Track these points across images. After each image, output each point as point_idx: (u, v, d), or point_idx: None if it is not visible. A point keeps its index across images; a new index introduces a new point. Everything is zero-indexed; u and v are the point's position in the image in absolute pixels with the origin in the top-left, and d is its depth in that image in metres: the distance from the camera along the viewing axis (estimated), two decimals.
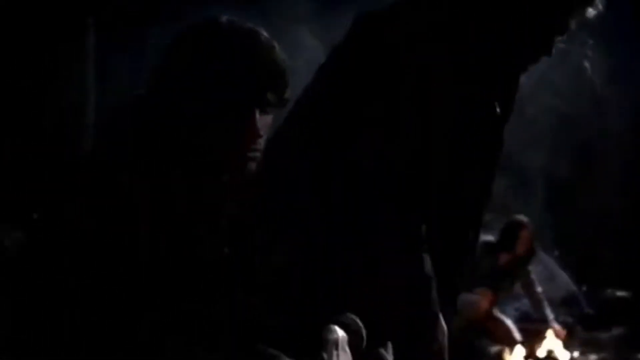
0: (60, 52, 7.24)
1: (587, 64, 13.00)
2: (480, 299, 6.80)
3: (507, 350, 6.86)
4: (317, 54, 13.11)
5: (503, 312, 7.99)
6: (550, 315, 7.39)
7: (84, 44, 7.59)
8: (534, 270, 9.63)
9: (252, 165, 1.87)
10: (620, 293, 9.60)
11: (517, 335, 7.12)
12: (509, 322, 7.24)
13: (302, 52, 13.05)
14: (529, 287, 7.34)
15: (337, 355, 1.94)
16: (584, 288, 9.86)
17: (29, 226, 2.54)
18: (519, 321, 7.96)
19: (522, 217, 7.49)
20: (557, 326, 7.27)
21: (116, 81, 8.61)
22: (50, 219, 1.84)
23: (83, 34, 7.55)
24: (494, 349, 6.82)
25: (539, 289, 7.54)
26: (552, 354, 6.98)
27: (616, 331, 8.56)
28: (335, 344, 1.96)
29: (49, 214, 1.86)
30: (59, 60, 7.25)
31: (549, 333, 7.20)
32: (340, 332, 1.98)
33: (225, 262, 1.89)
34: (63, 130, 7.28)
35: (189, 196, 1.84)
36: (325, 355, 1.93)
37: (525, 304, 8.74)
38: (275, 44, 1.89)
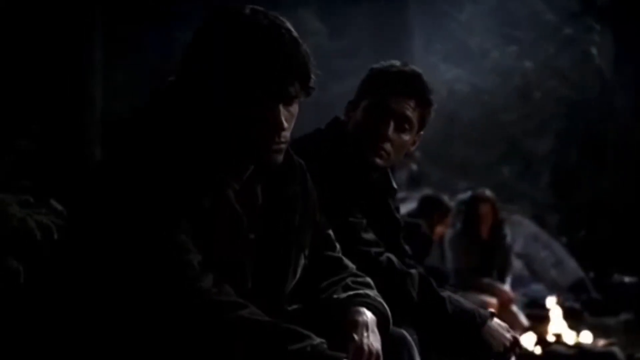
0: (70, 48, 7.25)
1: (594, 50, 12.97)
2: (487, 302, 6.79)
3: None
4: (322, 39, 13.17)
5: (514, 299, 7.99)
6: (507, 285, 7.24)
7: (93, 42, 7.60)
8: (542, 256, 9.67)
9: (278, 158, 1.87)
10: (627, 279, 9.61)
11: (524, 321, 7.10)
12: (515, 308, 7.24)
13: (307, 37, 13.08)
14: (504, 255, 7.20)
15: (367, 337, 1.96)
16: (592, 274, 9.88)
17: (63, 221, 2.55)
18: (528, 307, 7.97)
19: (483, 190, 7.35)
20: (508, 292, 7.15)
21: (120, 74, 8.66)
22: (80, 216, 1.84)
23: (91, 32, 7.56)
24: None
25: (513, 265, 7.44)
26: (561, 339, 6.97)
27: (624, 316, 8.57)
28: (365, 325, 1.99)
29: (78, 211, 1.86)
30: (69, 54, 7.27)
31: (555, 315, 7.19)
32: (369, 314, 2.01)
33: (252, 247, 1.93)
34: (74, 118, 7.30)
35: (214, 185, 1.85)
36: (356, 336, 1.95)
37: (533, 290, 8.76)
38: (297, 36, 1.86)
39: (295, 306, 2.02)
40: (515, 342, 2.53)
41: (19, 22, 6.87)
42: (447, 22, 12.75)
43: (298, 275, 2.02)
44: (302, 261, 2.03)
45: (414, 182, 10.79)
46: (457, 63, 12.45)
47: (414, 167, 11.08)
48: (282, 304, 1.99)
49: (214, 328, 1.71)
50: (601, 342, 7.08)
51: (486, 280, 6.91)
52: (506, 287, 7.04)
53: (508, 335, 2.53)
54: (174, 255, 1.74)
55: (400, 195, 7.89)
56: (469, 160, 12.26)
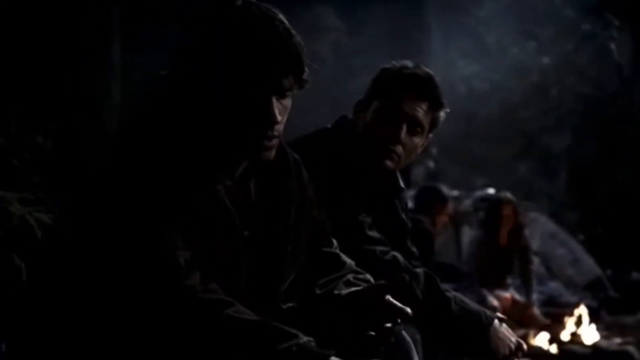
0: (88, 45, 7.29)
1: (612, 46, 12.89)
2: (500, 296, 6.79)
3: (531, 334, 6.83)
4: (341, 36, 13.14)
5: (534, 299, 7.94)
6: (533, 296, 7.27)
7: (111, 40, 7.64)
8: (559, 254, 9.60)
9: (270, 154, 1.84)
10: None
11: (540, 318, 7.08)
12: (535, 311, 7.20)
13: (326, 34, 13.09)
14: (523, 254, 7.20)
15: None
16: (609, 272, 9.81)
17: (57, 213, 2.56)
18: (545, 305, 7.93)
19: (506, 193, 7.37)
20: (536, 310, 7.18)
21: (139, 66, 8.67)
22: (76, 207, 1.84)
23: (110, 30, 7.59)
24: (519, 332, 6.79)
25: (534, 262, 7.42)
26: (577, 338, 6.94)
27: None
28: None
29: (75, 201, 1.86)
30: (88, 52, 7.31)
31: (574, 317, 7.16)
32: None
33: (246, 245, 1.91)
34: (92, 111, 7.34)
35: (204, 182, 1.83)
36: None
37: (550, 287, 8.71)
38: (291, 27, 1.82)
39: (291, 304, 2.00)
40: (520, 347, 2.52)
41: (38, 20, 6.91)
42: (466, 18, 12.69)
43: (295, 273, 2.00)
44: (299, 258, 2.01)
45: (431, 179, 10.76)
46: (476, 59, 12.38)
47: (431, 164, 11.05)
48: (278, 302, 1.97)
49: (199, 326, 1.70)
50: (617, 341, 7.04)
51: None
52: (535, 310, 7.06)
53: (513, 339, 2.51)
54: (161, 253, 1.72)
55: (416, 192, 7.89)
56: (487, 157, 12.20)
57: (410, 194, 8.22)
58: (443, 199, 6.69)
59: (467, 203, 9.54)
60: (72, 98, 7.20)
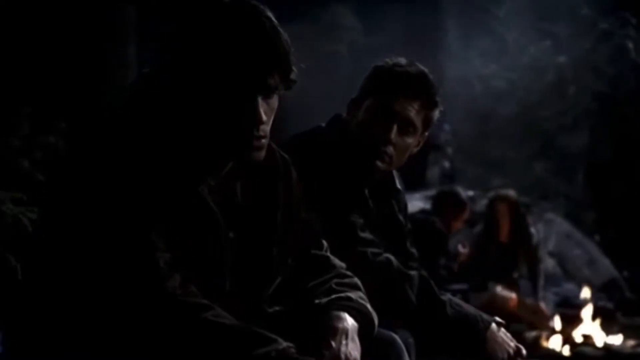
0: (102, 43, 7.29)
1: (630, 45, 12.76)
2: (506, 297, 6.73)
3: (544, 336, 6.79)
4: (359, 36, 13.10)
5: (542, 297, 7.88)
6: (540, 293, 7.17)
7: (126, 38, 7.63)
8: (575, 254, 9.53)
9: (259, 154, 1.80)
10: None
11: (548, 316, 7.02)
12: (542, 305, 7.15)
13: (343, 34, 13.05)
14: (530, 252, 7.12)
15: (346, 344, 1.88)
16: (626, 273, 9.72)
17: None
18: (559, 306, 7.86)
19: (506, 190, 7.33)
20: (545, 308, 7.09)
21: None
22: (57, 205, 1.82)
23: (125, 28, 7.59)
24: (531, 334, 6.76)
25: (542, 261, 7.35)
26: (590, 340, 6.88)
27: None
28: (345, 332, 1.90)
29: (56, 199, 1.84)
30: (102, 50, 7.31)
31: (586, 316, 7.10)
32: (350, 320, 1.92)
33: (231, 247, 1.88)
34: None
35: (186, 182, 1.79)
36: (333, 344, 1.87)
37: (566, 288, 8.64)
38: (278, 26, 1.80)
39: (277, 308, 1.97)
40: (518, 352, 2.48)
41: (51, 20, 6.91)
42: (483, 17, 12.62)
43: (282, 275, 1.97)
44: (286, 260, 1.98)
45: (447, 179, 10.72)
46: (493, 59, 12.32)
47: (446, 164, 11.01)
48: (262, 305, 1.94)
49: (176, 329, 1.68)
50: (631, 343, 6.98)
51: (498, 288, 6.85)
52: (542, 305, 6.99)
53: (512, 344, 2.48)
54: (140, 254, 1.71)
55: (431, 192, 7.85)
56: (503, 157, 12.12)
57: (428, 194, 8.23)
58: (458, 205, 6.66)
59: (483, 203, 9.49)
60: (86, 97, 7.19)
